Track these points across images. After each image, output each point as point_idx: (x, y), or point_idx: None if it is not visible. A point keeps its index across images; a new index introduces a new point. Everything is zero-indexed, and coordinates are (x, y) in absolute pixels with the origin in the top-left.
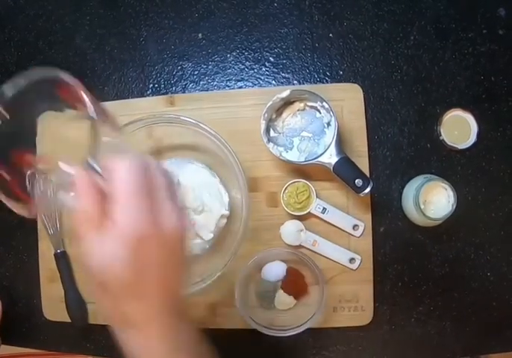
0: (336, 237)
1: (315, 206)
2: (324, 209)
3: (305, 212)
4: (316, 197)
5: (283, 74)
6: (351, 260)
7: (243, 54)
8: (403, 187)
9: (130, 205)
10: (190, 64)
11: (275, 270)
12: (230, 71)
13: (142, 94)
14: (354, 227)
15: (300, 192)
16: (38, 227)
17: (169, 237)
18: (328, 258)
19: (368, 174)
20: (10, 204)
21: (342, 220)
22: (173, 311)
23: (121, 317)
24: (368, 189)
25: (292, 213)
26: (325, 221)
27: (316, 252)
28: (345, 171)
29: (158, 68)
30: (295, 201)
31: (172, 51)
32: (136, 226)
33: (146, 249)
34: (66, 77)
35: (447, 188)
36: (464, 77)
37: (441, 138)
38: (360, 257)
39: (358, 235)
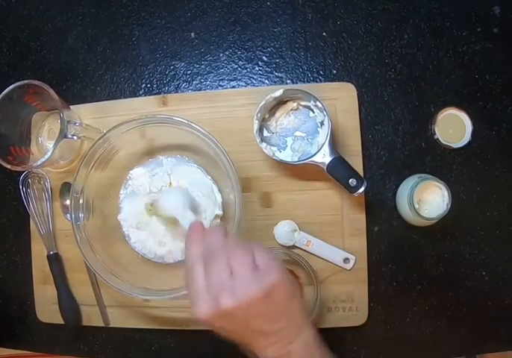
0: (331, 237)
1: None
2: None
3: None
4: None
5: (276, 74)
6: (346, 260)
7: (236, 53)
8: (397, 186)
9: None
10: (183, 64)
11: None
12: (223, 70)
13: (134, 94)
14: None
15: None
16: (31, 228)
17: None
18: (322, 258)
19: (362, 174)
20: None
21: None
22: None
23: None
24: (362, 189)
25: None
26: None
27: (309, 252)
28: (338, 170)
29: (151, 67)
30: None
31: (164, 50)
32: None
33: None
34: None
35: (441, 187)
36: (458, 76)
37: (435, 137)
38: (354, 257)
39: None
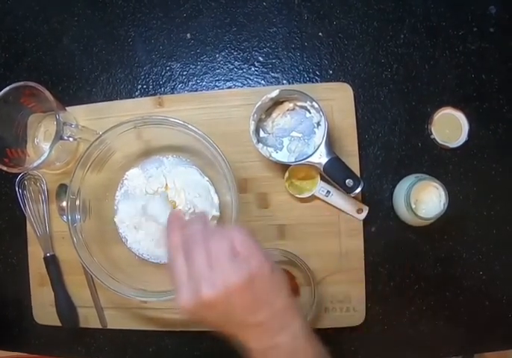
0: (327, 237)
1: (319, 189)
2: (328, 192)
3: (309, 195)
4: (320, 179)
5: (272, 74)
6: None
7: (232, 53)
8: (394, 187)
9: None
10: (179, 64)
11: None
12: (219, 71)
13: (130, 95)
14: (357, 211)
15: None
16: (27, 230)
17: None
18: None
19: (358, 174)
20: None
21: (347, 203)
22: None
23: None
24: (359, 189)
25: (297, 196)
26: (329, 204)
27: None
28: (335, 171)
29: (146, 69)
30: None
31: (160, 51)
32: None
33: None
34: (28, 83)
35: (438, 187)
36: (455, 76)
37: (432, 137)
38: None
39: (362, 218)
